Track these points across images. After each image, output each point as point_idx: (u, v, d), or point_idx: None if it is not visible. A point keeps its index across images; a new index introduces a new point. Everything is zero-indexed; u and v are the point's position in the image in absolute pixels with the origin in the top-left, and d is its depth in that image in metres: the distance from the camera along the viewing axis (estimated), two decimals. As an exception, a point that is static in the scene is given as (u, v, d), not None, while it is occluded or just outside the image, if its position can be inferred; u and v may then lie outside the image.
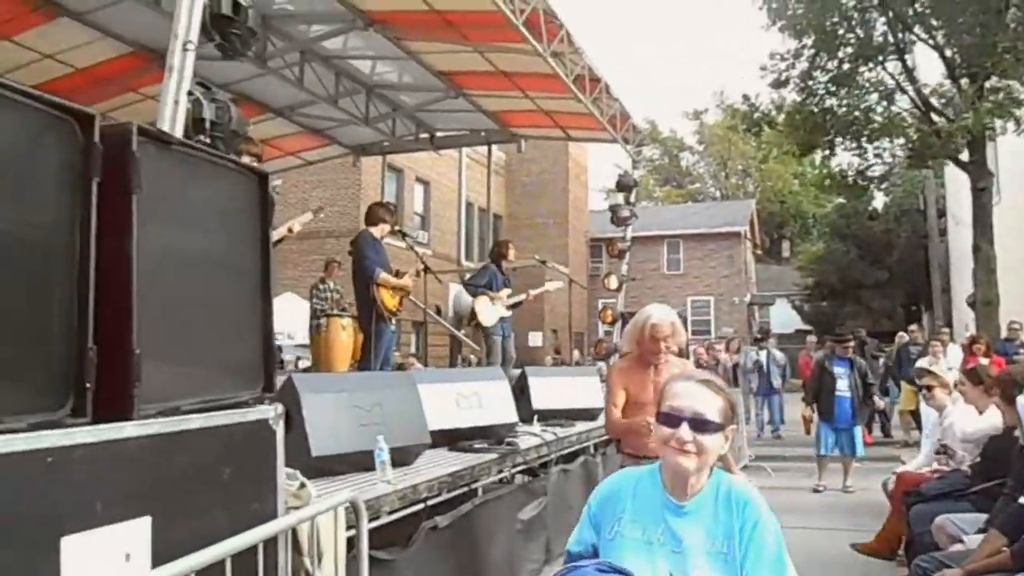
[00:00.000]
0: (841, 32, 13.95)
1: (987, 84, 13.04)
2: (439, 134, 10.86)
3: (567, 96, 8.27)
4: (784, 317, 32.09)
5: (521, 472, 5.37)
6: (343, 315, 7.52)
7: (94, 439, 1.79)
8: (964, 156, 13.77)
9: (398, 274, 6.72)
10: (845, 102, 14.28)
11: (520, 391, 6.24)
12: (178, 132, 3.25)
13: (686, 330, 4.09)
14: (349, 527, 2.83)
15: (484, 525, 4.34)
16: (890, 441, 11.91)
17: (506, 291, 7.96)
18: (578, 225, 28.45)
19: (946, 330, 13.03)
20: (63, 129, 1.84)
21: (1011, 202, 15.79)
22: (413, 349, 17.77)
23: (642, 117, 48.53)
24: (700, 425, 1.93)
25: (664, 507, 1.97)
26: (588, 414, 6.48)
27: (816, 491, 8.34)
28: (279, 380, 3.98)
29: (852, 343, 9.15)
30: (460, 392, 5.07)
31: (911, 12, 13.48)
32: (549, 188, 27.13)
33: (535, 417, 5.85)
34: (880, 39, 13.96)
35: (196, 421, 2.12)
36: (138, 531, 1.88)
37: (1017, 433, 3.82)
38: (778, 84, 14.65)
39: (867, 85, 14.33)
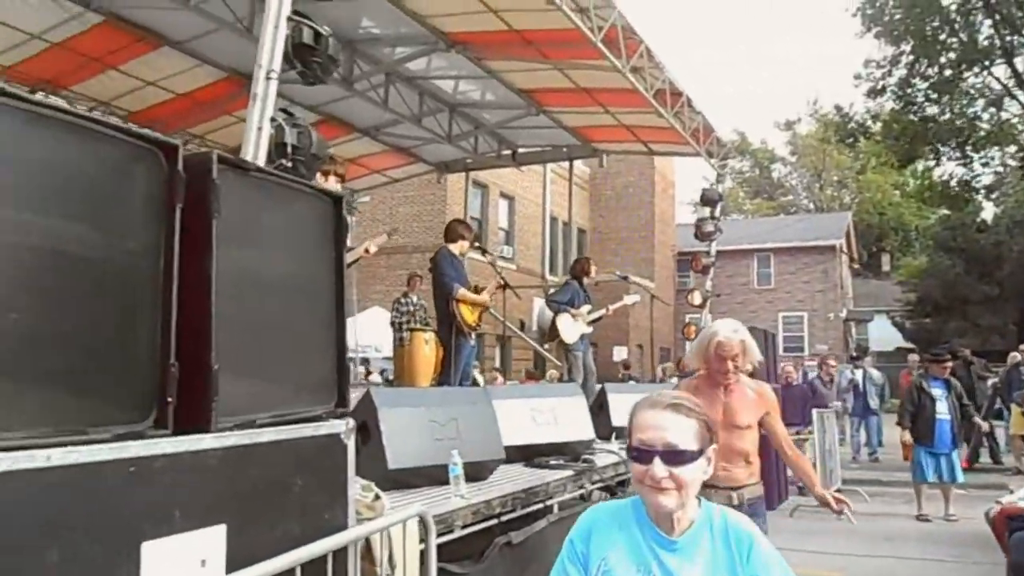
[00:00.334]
0: (943, 37, 13.39)
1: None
2: (521, 150, 10.96)
3: (648, 110, 8.23)
4: (884, 334, 30.58)
5: (600, 489, 5.33)
6: (426, 329, 7.64)
7: (174, 450, 1.89)
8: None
9: (477, 289, 6.81)
10: (948, 110, 13.64)
11: (599, 407, 6.21)
12: (261, 156, 3.39)
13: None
14: (421, 540, 2.88)
15: (558, 542, 4.30)
16: (999, 468, 11.21)
17: (587, 307, 8.01)
18: (664, 239, 28.04)
19: (1062, 350, 12.17)
20: (149, 159, 1.96)
21: None
22: (497, 363, 17.88)
23: (731, 128, 47.72)
24: (674, 458, 1.76)
25: (654, 542, 1.84)
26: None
27: (919, 519, 7.92)
28: (359, 393, 4.13)
29: (950, 362, 8.59)
30: (535, 408, 5.08)
31: (1021, 13, 12.78)
32: (634, 201, 26.86)
33: (613, 434, 5.81)
34: (986, 43, 13.32)
35: (269, 434, 2.20)
36: (214, 538, 1.97)
37: None
38: (874, 92, 14.15)
39: (972, 91, 13.65)
